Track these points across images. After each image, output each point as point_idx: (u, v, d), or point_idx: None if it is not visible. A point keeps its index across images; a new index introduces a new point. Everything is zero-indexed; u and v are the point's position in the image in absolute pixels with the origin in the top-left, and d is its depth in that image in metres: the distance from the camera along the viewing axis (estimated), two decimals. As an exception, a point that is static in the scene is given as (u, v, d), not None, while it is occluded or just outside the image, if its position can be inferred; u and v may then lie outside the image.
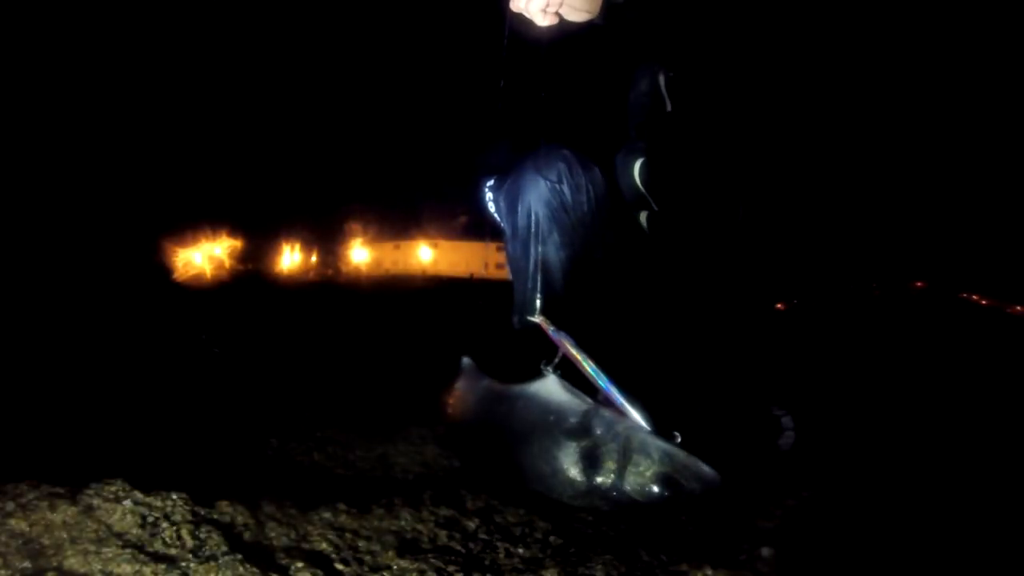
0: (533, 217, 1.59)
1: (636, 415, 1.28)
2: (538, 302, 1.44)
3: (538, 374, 1.37)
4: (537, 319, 1.42)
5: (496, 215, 1.78)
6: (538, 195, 1.59)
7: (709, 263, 1.70)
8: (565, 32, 1.42)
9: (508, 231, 1.69)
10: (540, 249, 1.56)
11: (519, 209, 1.61)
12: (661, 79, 1.72)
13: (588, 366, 1.33)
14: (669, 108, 1.72)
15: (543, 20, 1.37)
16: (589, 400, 1.32)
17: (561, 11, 1.37)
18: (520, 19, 1.40)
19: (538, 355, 1.40)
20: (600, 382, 1.32)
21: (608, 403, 1.31)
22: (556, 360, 1.36)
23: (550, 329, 1.39)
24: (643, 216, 1.71)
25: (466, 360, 1.63)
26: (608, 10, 1.40)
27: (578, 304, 1.58)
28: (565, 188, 1.59)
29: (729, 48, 1.58)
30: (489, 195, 1.79)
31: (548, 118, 1.57)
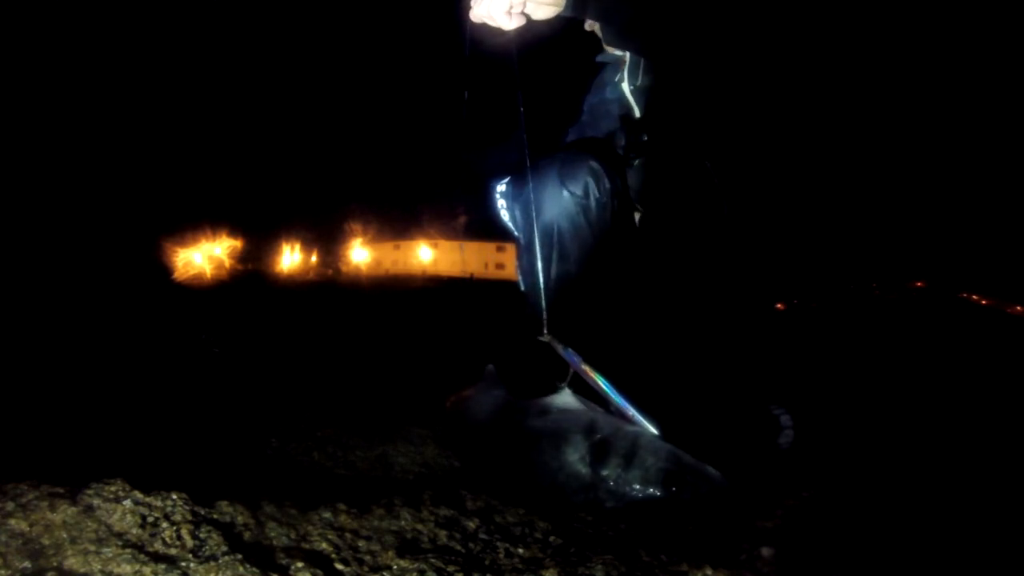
0: (555, 235, 1.45)
1: (647, 424, 1.30)
2: (544, 321, 1.38)
3: (551, 389, 1.39)
4: (546, 338, 1.40)
5: (509, 224, 1.66)
6: (562, 210, 1.44)
7: (699, 262, 1.69)
8: (533, 32, 1.34)
9: (523, 242, 1.55)
10: (560, 268, 1.44)
11: (538, 223, 1.47)
12: (625, 87, 1.67)
13: (599, 380, 1.35)
14: (638, 115, 1.68)
15: (509, 23, 1.28)
16: (601, 410, 1.35)
17: (527, 9, 1.29)
18: (483, 29, 1.32)
19: (541, 358, 1.41)
20: (611, 394, 1.34)
21: (619, 414, 1.33)
22: (568, 377, 1.37)
23: (559, 348, 1.39)
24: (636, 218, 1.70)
25: (489, 367, 1.61)
26: (577, 2, 1.30)
27: (592, 318, 1.52)
28: (592, 203, 1.45)
29: (709, 35, 1.48)
30: (501, 202, 1.67)
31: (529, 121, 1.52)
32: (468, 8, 1.32)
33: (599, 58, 1.77)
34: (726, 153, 1.64)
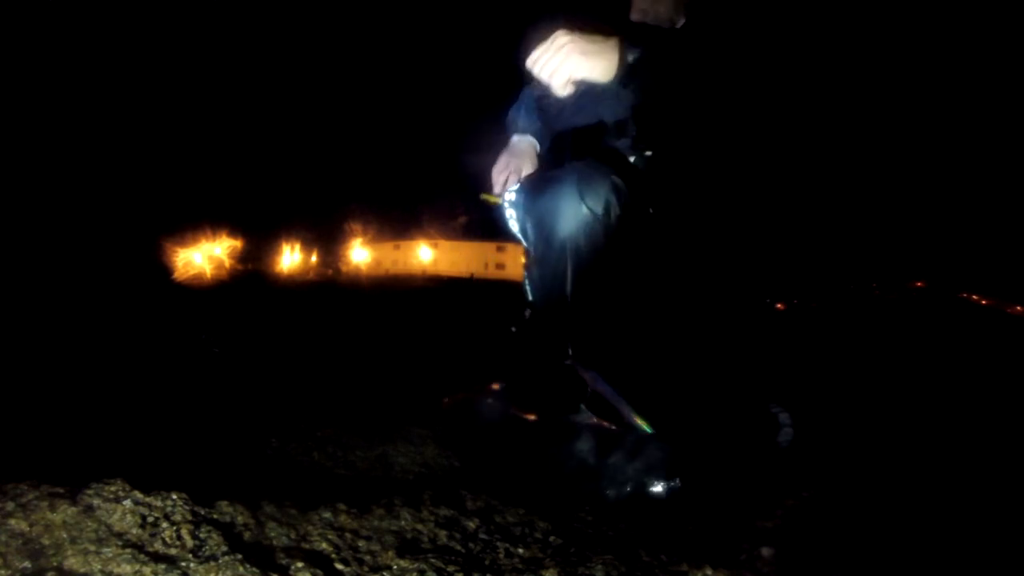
0: (573, 253, 1.37)
1: (647, 424, 1.31)
2: (569, 345, 1.35)
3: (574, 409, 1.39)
4: (570, 362, 1.38)
5: (519, 235, 1.59)
6: (581, 228, 1.36)
7: (702, 263, 1.68)
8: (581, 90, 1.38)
9: (535, 255, 1.47)
10: (577, 287, 1.37)
11: (554, 239, 1.38)
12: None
13: (616, 399, 1.35)
14: (636, 111, 1.66)
15: (563, 91, 1.33)
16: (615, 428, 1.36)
17: (575, 78, 1.32)
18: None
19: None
20: (624, 409, 1.34)
21: (631, 425, 1.33)
22: (587, 393, 1.37)
23: (585, 373, 1.38)
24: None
25: (496, 387, 1.58)
26: (626, 73, 1.32)
27: (609, 332, 1.49)
28: (614, 221, 1.37)
29: (731, 72, 1.49)
30: (511, 212, 1.60)
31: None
32: (524, 54, 1.34)
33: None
34: (731, 155, 1.63)
